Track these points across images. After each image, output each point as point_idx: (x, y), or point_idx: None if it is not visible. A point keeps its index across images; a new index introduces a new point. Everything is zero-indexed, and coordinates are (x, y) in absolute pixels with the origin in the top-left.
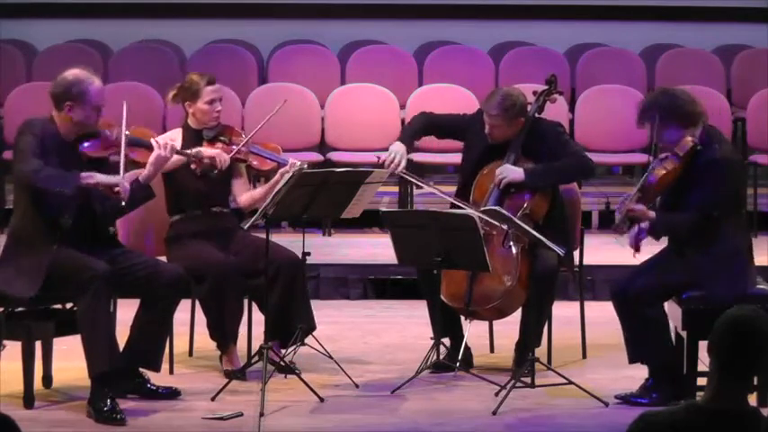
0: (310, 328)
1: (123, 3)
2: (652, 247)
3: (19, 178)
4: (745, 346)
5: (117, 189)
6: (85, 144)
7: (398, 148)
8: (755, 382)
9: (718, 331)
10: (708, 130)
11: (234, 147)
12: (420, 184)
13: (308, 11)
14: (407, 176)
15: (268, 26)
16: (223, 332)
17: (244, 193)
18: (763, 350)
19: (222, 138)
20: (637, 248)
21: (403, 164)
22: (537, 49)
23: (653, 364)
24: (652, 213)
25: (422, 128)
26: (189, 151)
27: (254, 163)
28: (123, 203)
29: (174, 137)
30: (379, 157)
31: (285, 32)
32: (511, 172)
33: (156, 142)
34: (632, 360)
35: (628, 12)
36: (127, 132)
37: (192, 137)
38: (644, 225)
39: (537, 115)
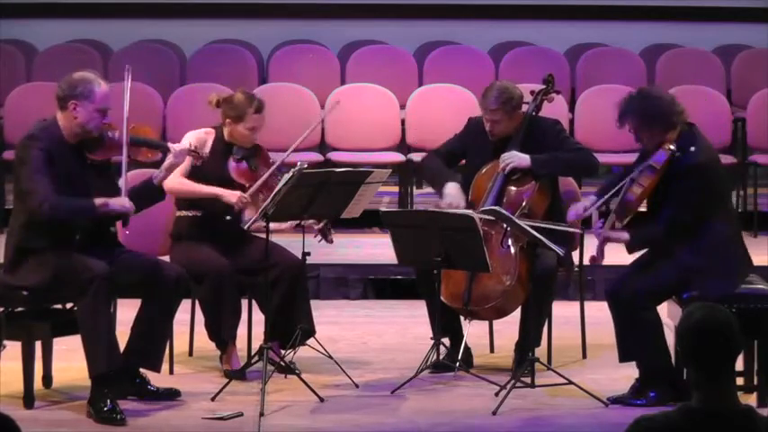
0: (310, 331)
1: (123, 3)
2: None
3: (31, 211)
4: (720, 346)
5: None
6: (91, 152)
7: (453, 190)
8: (755, 383)
9: (689, 338)
10: (685, 132)
11: (254, 183)
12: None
13: (308, 11)
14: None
15: (268, 26)
16: (219, 334)
17: None
18: (736, 343)
19: (250, 162)
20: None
21: (462, 205)
22: (537, 49)
23: (643, 366)
24: (626, 235)
25: (443, 162)
26: (201, 155)
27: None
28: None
29: (206, 138)
30: (438, 206)
31: (285, 32)
32: (517, 157)
33: (172, 148)
34: (622, 359)
35: (628, 12)
36: (130, 136)
37: (222, 148)
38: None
39: (535, 114)
